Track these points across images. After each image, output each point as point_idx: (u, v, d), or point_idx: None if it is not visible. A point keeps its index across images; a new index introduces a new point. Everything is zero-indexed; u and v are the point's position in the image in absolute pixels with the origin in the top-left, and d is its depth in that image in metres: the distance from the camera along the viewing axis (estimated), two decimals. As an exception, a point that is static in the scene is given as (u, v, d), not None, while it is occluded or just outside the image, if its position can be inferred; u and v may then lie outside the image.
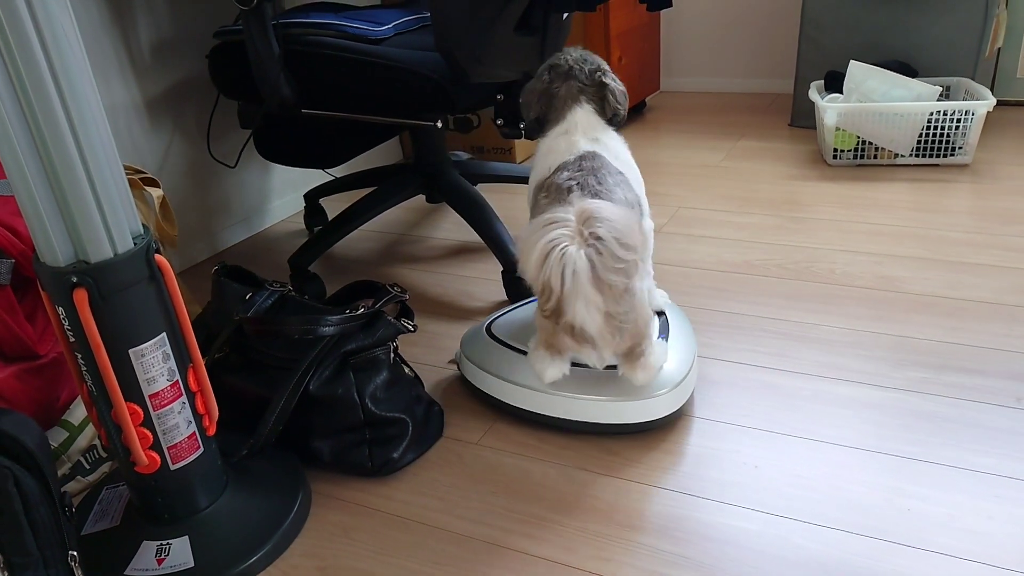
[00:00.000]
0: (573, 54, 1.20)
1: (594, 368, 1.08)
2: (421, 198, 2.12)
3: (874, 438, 1.07)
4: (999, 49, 2.45)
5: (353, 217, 1.66)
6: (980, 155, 2.10)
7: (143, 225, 0.84)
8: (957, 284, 1.45)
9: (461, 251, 1.78)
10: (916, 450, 1.04)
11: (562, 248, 0.93)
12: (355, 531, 0.99)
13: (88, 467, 1.09)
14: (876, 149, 2.07)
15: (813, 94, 2.15)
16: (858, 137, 2.06)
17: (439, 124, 1.44)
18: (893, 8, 2.22)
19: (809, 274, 1.53)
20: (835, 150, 2.09)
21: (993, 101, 1.94)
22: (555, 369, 1.07)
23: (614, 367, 1.10)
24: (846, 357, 1.25)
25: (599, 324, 0.98)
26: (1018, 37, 2.44)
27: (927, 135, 2.02)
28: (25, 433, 0.78)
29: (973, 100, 1.99)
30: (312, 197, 1.95)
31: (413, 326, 1.12)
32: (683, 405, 1.13)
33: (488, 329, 1.24)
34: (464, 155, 1.98)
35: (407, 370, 1.14)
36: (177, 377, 0.88)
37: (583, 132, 1.16)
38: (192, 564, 0.91)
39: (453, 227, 1.93)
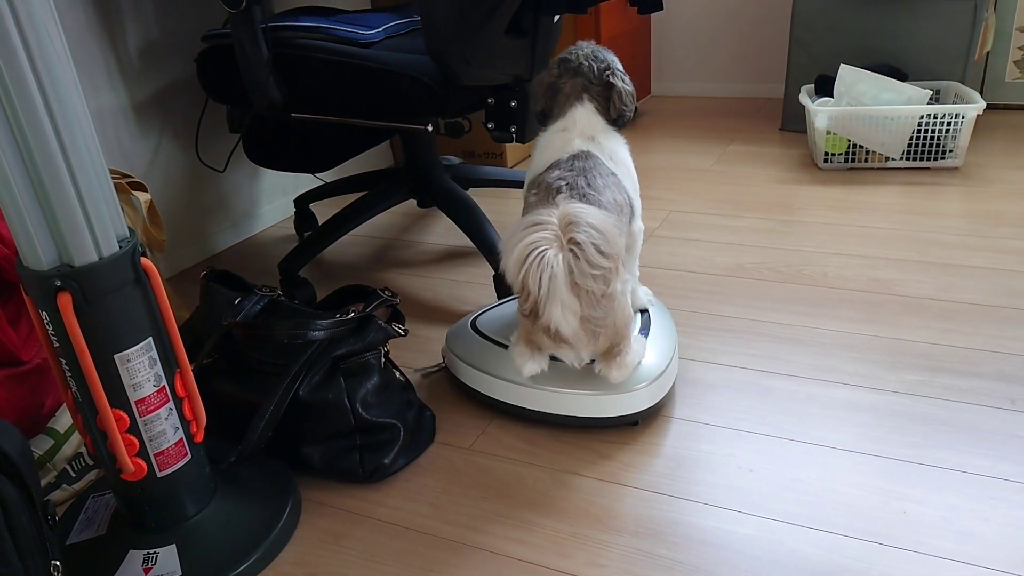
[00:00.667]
0: (585, 49, 1.20)
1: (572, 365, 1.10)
2: (412, 202, 2.11)
3: (868, 441, 1.06)
4: (988, 53, 2.46)
5: (343, 222, 1.65)
6: (970, 158, 2.10)
7: (129, 228, 0.83)
8: (949, 286, 1.45)
9: (452, 255, 1.77)
10: (910, 453, 1.04)
11: (541, 252, 0.94)
12: (346, 538, 0.98)
13: (74, 475, 1.07)
14: (867, 152, 2.08)
15: (804, 98, 2.16)
16: (849, 141, 2.06)
17: (430, 128, 1.43)
18: (883, 12, 2.23)
19: (802, 277, 1.52)
20: (826, 154, 2.09)
21: (983, 104, 1.95)
22: (534, 364, 1.09)
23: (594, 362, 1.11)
24: (840, 360, 1.25)
25: (574, 327, 0.99)
26: (1006, 41, 2.45)
27: (917, 138, 2.02)
28: (5, 440, 0.76)
29: (963, 104, 1.99)
30: (302, 202, 1.94)
31: (404, 330, 1.11)
32: (667, 403, 1.14)
33: (473, 324, 1.26)
34: (455, 159, 1.97)
35: (398, 375, 1.13)
36: (164, 383, 0.87)
37: (580, 131, 1.16)
38: (180, 573, 0.89)
39: (444, 231, 1.92)
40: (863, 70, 2.08)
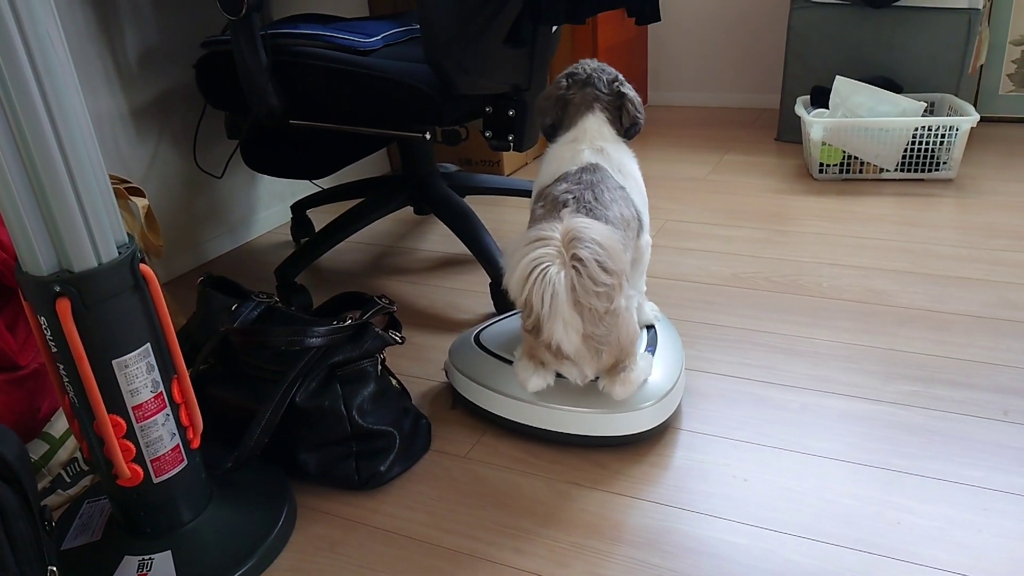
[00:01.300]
0: (591, 64, 1.21)
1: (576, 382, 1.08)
2: (409, 210, 2.11)
3: (863, 451, 1.07)
4: (982, 66, 2.48)
5: (340, 228, 1.65)
6: (964, 170, 2.12)
7: (128, 234, 0.83)
8: (944, 297, 1.45)
9: (449, 263, 1.78)
10: (905, 463, 1.04)
11: (543, 268, 0.93)
12: (341, 545, 0.98)
13: (69, 480, 1.07)
14: (862, 164, 2.09)
15: (799, 109, 2.17)
16: (844, 152, 2.08)
17: (427, 136, 1.44)
18: (878, 24, 2.24)
19: (796, 287, 1.53)
20: (821, 164, 2.11)
21: (977, 117, 1.96)
22: (539, 379, 1.07)
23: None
24: (835, 370, 1.25)
25: (577, 345, 0.98)
26: (1000, 54, 2.47)
27: (912, 150, 2.04)
28: (3, 445, 0.76)
29: (957, 116, 2.01)
30: (299, 208, 1.94)
31: (401, 338, 1.12)
32: (669, 418, 1.12)
33: (476, 338, 1.24)
34: (452, 167, 1.98)
35: (395, 382, 1.14)
36: (161, 388, 0.87)
37: (590, 141, 1.15)
38: (175, 579, 0.89)
39: (441, 239, 1.92)
40: (858, 82, 2.09)
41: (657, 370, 1.12)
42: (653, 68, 3.09)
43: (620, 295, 0.97)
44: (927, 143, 2.01)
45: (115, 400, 0.83)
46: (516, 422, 1.13)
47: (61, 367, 0.82)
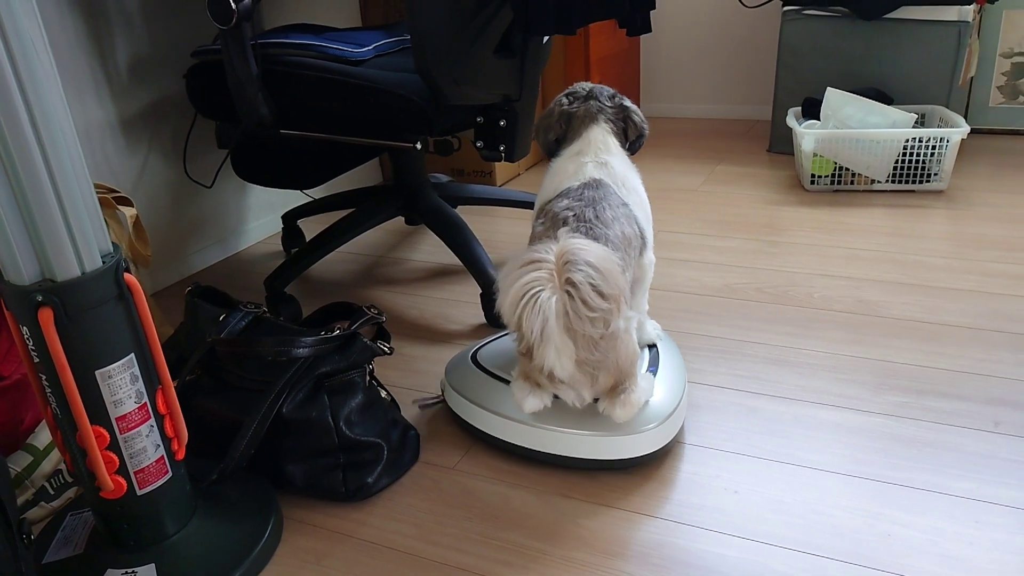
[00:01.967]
0: (588, 84, 1.21)
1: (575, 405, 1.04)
2: (400, 220, 2.11)
3: (854, 463, 1.06)
4: (972, 78, 2.49)
5: (331, 239, 1.65)
6: (955, 182, 2.12)
7: (113, 243, 0.82)
8: (935, 309, 1.45)
9: (440, 274, 1.77)
10: (896, 475, 1.04)
11: (534, 293, 0.90)
12: (327, 557, 0.96)
13: (53, 492, 1.06)
14: (853, 175, 2.09)
15: (791, 120, 2.17)
16: (835, 163, 2.08)
17: (418, 146, 1.43)
18: (869, 37, 2.25)
19: (788, 298, 1.53)
20: (812, 176, 2.11)
21: (967, 129, 1.97)
22: (535, 400, 1.03)
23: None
24: (826, 381, 1.25)
25: (570, 370, 0.95)
26: (990, 67, 2.48)
27: (903, 161, 2.04)
28: (-16, 457, 0.75)
29: (948, 128, 2.01)
30: (290, 218, 1.94)
31: (389, 348, 1.11)
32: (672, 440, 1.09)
33: (474, 357, 1.21)
34: (444, 177, 1.98)
35: (383, 394, 1.13)
36: (145, 399, 0.86)
37: (595, 154, 1.13)
38: (158, 593, 0.88)
39: (432, 249, 1.92)
40: (849, 93, 2.10)
41: (659, 390, 1.09)
42: (646, 79, 3.10)
43: (618, 318, 0.94)
44: (918, 155, 2.02)
45: (98, 411, 0.82)
46: (513, 444, 1.10)
47: (43, 377, 0.81)
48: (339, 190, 2.10)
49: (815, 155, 2.08)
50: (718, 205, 2.07)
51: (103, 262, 0.80)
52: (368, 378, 1.08)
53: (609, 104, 1.19)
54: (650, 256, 1.15)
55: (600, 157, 1.13)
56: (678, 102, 3.09)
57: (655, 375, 1.12)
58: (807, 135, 2.05)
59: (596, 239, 1.00)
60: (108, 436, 0.83)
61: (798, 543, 0.93)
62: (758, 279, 1.62)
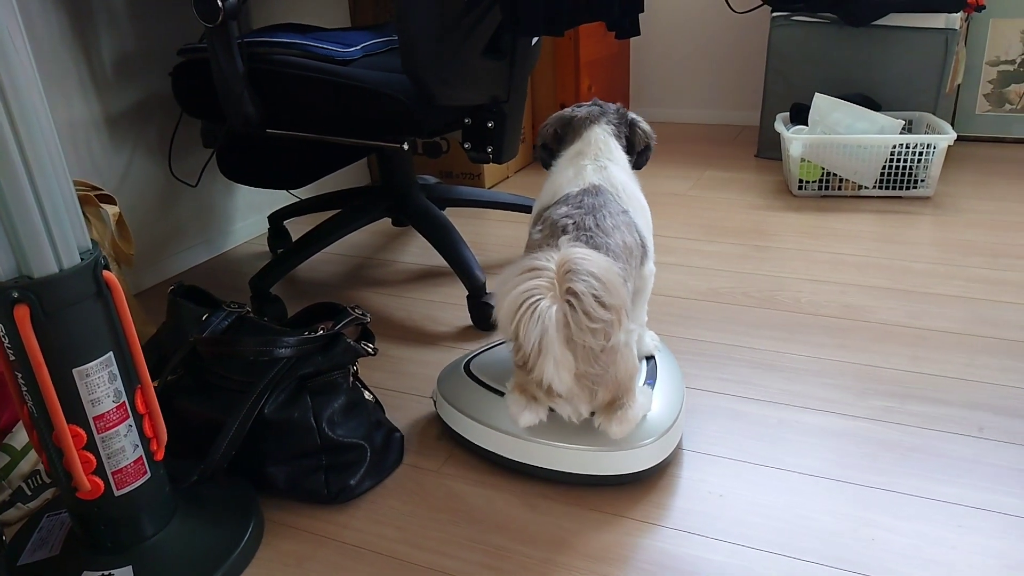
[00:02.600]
0: (588, 103, 1.21)
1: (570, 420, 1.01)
2: (387, 221, 2.10)
3: (839, 467, 1.06)
4: (959, 86, 2.50)
5: (317, 239, 1.64)
6: (942, 188, 2.13)
7: (92, 240, 0.81)
8: (920, 314, 1.46)
9: (427, 275, 1.76)
10: (880, 479, 1.03)
11: (533, 302, 0.87)
12: (309, 561, 0.95)
13: (30, 493, 1.04)
14: (840, 180, 2.10)
15: (779, 125, 2.18)
16: (823, 168, 2.09)
17: (405, 146, 1.42)
18: (857, 43, 2.26)
19: (774, 302, 1.53)
20: (800, 181, 2.11)
21: (954, 135, 1.98)
22: (531, 414, 0.99)
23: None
24: (811, 385, 1.25)
25: (568, 384, 0.91)
26: (977, 74, 2.50)
27: (890, 167, 2.05)
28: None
29: (934, 134, 2.02)
30: (276, 219, 1.92)
31: (373, 349, 1.10)
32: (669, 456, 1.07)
33: (467, 367, 1.17)
34: (432, 179, 1.97)
35: (367, 395, 1.12)
36: (124, 399, 0.85)
37: (594, 156, 1.10)
38: (135, 596, 0.87)
39: (419, 251, 1.91)
40: (837, 99, 2.11)
41: (657, 404, 1.06)
42: (635, 84, 3.11)
43: (619, 331, 0.91)
44: (905, 161, 2.03)
45: (75, 410, 0.81)
46: (507, 458, 1.07)
47: (19, 376, 0.80)
48: (326, 191, 2.09)
49: (803, 160, 2.08)
50: (706, 210, 2.07)
51: (81, 259, 0.78)
52: (351, 379, 1.07)
53: (612, 112, 1.18)
54: (651, 266, 1.12)
55: (600, 160, 1.11)
56: (667, 107, 3.09)
57: (653, 387, 1.09)
58: (795, 140, 2.05)
59: (596, 248, 0.97)
60: (85, 435, 0.82)
61: (783, 547, 0.93)
62: (745, 283, 1.62)
